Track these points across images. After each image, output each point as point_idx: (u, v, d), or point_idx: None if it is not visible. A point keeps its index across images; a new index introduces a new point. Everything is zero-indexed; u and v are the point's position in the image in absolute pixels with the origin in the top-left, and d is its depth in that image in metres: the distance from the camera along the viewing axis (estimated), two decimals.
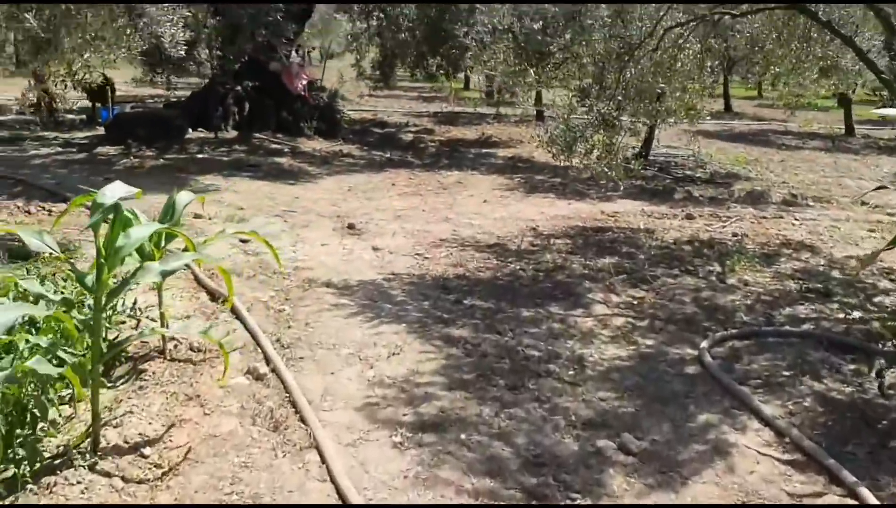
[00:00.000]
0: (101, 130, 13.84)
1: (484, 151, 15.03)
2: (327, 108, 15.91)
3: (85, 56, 6.43)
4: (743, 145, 16.48)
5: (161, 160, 11.42)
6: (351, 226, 8.18)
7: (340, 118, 16.33)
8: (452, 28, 12.99)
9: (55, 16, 6.08)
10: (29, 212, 7.84)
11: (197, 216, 8.10)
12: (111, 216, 3.65)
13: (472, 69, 16.09)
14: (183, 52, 6.13)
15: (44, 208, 7.95)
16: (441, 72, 15.75)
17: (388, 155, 14.11)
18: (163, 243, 4.63)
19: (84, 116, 15.94)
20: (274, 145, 13.88)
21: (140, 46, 6.55)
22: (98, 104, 15.09)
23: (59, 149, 12.18)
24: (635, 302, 6.13)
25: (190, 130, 14.07)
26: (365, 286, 6.26)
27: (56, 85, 12.29)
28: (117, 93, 16.24)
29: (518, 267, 6.98)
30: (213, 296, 5.82)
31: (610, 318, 5.75)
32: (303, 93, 15.18)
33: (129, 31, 6.40)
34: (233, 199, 9.27)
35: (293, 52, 15.37)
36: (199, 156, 12.35)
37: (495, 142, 16.17)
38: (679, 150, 15.04)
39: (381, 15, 16.50)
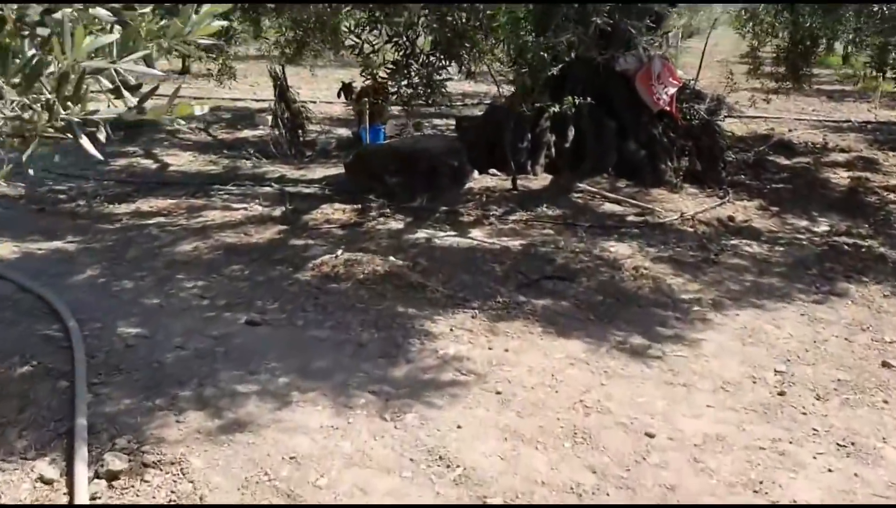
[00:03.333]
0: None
1: None
2: (705, 131, 9.46)
3: None
4: None
5: (391, 258, 5.99)
6: None
7: (723, 149, 9.77)
8: None
9: None
10: None
11: None
12: None
13: None
14: None
15: None
16: None
17: (823, 229, 7.41)
18: None
19: (350, 136, 11.37)
20: (609, 205, 7.88)
21: None
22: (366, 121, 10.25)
23: (260, 209, 7.41)
24: None
25: (476, 172, 8.62)
26: None
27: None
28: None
29: None
30: None
31: None
32: (667, 108, 8.92)
33: None
34: (484, 442, 3.50)
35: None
36: (471, 237, 6.78)
37: None
38: None
39: None
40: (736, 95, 14.76)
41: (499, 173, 8.71)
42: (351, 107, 11.24)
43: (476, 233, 6.94)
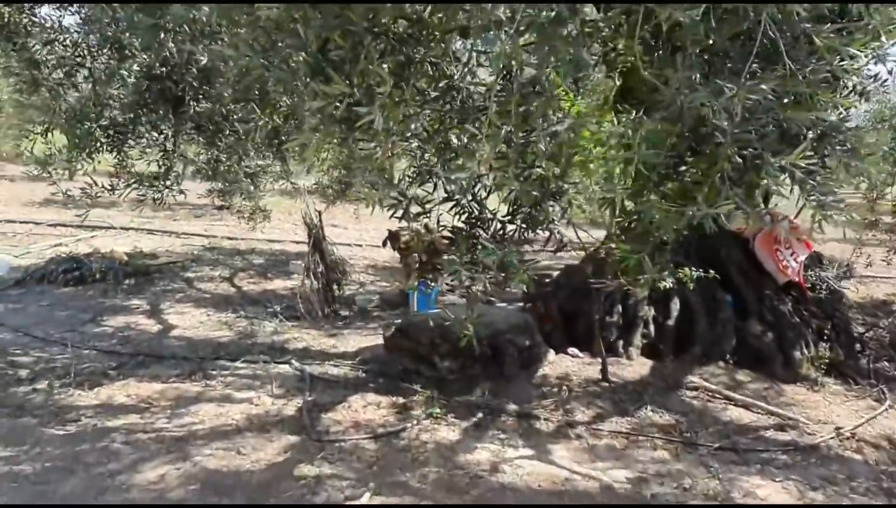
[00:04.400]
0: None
1: None
2: (833, 305, 7.52)
3: None
4: None
5: None
6: None
7: (858, 327, 7.78)
8: None
9: None
10: None
11: None
12: None
13: None
14: None
15: None
16: None
17: None
18: None
19: (396, 292, 9.68)
20: (735, 410, 5.86)
21: None
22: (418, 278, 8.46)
23: (269, 402, 5.58)
24: None
25: (551, 351, 6.75)
26: None
27: None
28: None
29: None
30: None
31: None
32: (796, 279, 7.04)
33: None
34: None
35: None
36: (554, 461, 4.83)
37: None
38: None
39: None
40: (836, 249, 12.88)
41: (580, 354, 6.83)
42: (399, 258, 9.59)
43: (560, 452, 4.98)
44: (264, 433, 4.99)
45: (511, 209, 3.72)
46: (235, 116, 6.25)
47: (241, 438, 4.90)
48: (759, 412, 5.83)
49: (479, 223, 3.74)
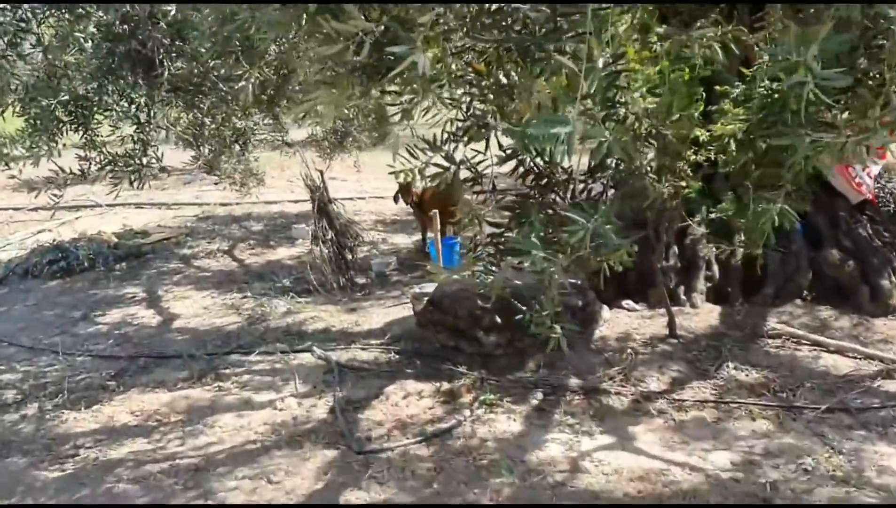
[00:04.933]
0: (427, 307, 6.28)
1: None
2: None
3: None
4: None
5: None
6: None
7: None
8: None
9: None
10: None
11: None
12: None
13: None
14: None
15: None
16: None
17: None
18: None
19: (412, 247, 8.88)
20: (828, 357, 5.10)
21: None
22: (431, 233, 7.57)
23: (295, 405, 4.81)
24: None
25: (605, 308, 5.96)
26: None
27: None
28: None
29: None
30: None
31: None
32: (869, 196, 6.22)
33: None
34: None
35: None
36: (639, 448, 4.10)
37: None
38: None
39: None
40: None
41: (637, 307, 6.05)
42: (412, 210, 8.76)
43: (645, 437, 4.23)
44: (296, 450, 4.23)
45: (592, 165, 2.86)
46: (217, 74, 5.34)
47: (268, 459, 4.14)
48: (856, 357, 5.08)
49: (552, 187, 2.88)
